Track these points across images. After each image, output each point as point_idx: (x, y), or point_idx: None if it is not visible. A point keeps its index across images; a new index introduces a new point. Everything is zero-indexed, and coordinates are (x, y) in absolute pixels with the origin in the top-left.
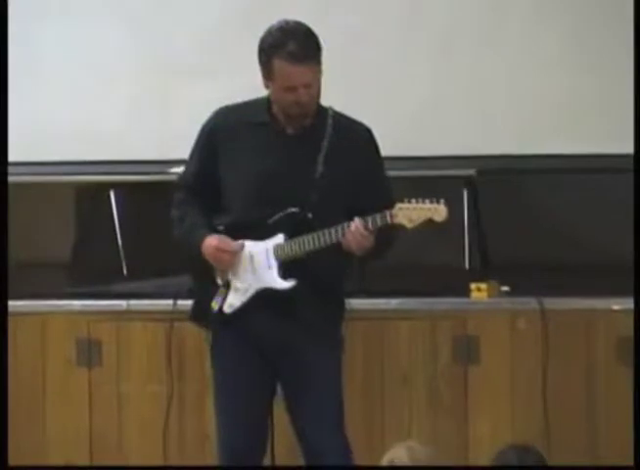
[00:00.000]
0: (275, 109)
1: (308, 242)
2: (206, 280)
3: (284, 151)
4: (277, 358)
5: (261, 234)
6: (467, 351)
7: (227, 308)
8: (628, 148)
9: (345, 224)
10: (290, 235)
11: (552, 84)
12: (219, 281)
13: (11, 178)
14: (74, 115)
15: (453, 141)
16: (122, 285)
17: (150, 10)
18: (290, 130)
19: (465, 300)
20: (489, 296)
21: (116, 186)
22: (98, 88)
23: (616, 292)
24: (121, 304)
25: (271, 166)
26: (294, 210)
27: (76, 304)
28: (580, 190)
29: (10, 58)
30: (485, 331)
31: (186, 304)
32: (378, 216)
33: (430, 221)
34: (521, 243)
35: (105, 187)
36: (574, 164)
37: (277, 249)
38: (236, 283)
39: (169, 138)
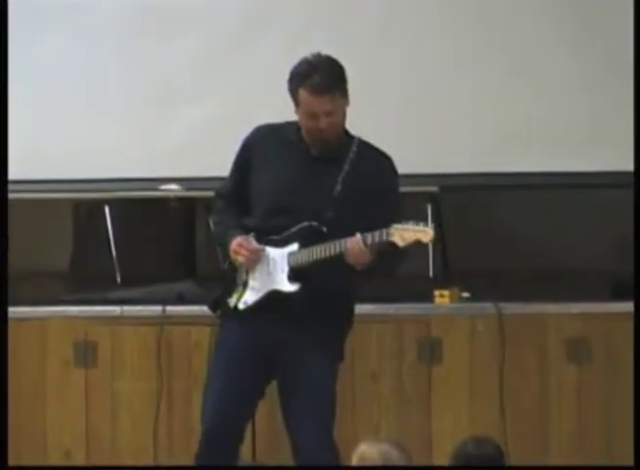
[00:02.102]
0: (302, 131)
1: (316, 252)
2: (230, 279)
3: (306, 169)
4: (275, 357)
5: (280, 241)
6: (430, 351)
7: (241, 305)
8: (577, 166)
9: (338, 241)
10: (304, 245)
11: (509, 105)
12: (239, 280)
13: (15, 195)
14: (73, 137)
15: (418, 160)
16: (116, 292)
17: (142, 37)
18: (314, 151)
19: (429, 305)
20: (451, 301)
21: (111, 202)
22: (94, 112)
23: (565, 297)
24: (115, 309)
25: (292, 181)
26: (312, 223)
27: (74, 309)
28: (532, 204)
29: (11, 81)
30: (447, 333)
31: (174, 309)
32: (376, 234)
33: (418, 241)
34: (479, 253)
35: (100, 203)
36: (527, 181)
37: (290, 256)
38: (253, 282)
39: (159, 158)
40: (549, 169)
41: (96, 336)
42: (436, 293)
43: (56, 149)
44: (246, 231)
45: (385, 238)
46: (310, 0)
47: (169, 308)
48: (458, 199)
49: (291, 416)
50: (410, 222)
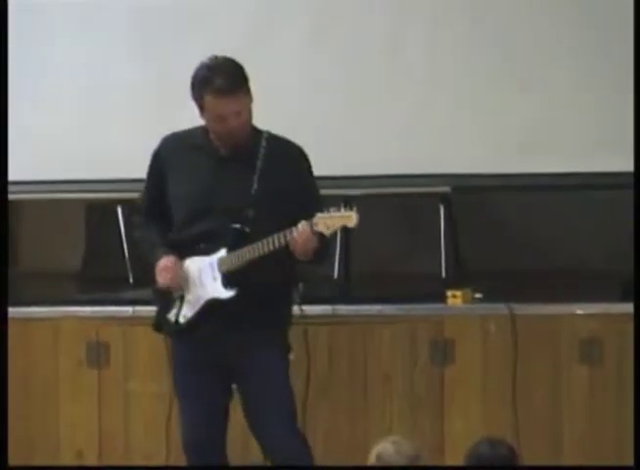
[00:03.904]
0: (211, 134)
1: (246, 253)
2: (166, 293)
3: (218, 171)
4: (229, 364)
5: (205, 248)
6: (443, 352)
7: (181, 319)
8: (590, 167)
9: (278, 234)
10: (231, 248)
11: (521, 106)
12: (174, 294)
13: (29, 196)
14: (85, 137)
15: (431, 161)
16: (128, 292)
17: (158, 37)
18: (223, 152)
19: (441, 305)
20: (464, 302)
21: (123, 202)
22: (107, 112)
23: (577, 298)
24: (127, 310)
25: (206, 185)
26: (235, 225)
27: (86, 310)
28: (545, 205)
29: (24, 82)
30: (460, 334)
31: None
32: (301, 226)
33: (344, 227)
34: (492, 254)
35: (112, 203)
36: (539, 182)
37: (220, 262)
38: (188, 296)
39: None
40: (562, 170)
41: (108, 336)
42: (449, 293)
43: (69, 149)
44: (170, 246)
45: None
46: (325, 2)
47: None
48: (470, 199)
49: (254, 415)
50: (332, 209)
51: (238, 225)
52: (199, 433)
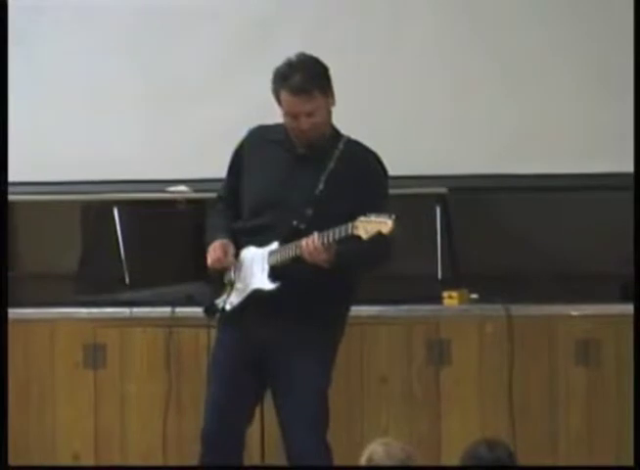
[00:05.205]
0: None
1: (290, 250)
2: (218, 278)
3: (290, 167)
4: (265, 359)
5: (263, 240)
6: (439, 353)
7: (227, 306)
8: (588, 168)
9: (305, 237)
10: (282, 243)
11: (517, 107)
12: (226, 281)
13: (24, 197)
14: (82, 139)
15: (427, 161)
16: (125, 294)
17: (155, 38)
18: (300, 149)
19: (438, 306)
20: (460, 303)
21: (119, 203)
22: (103, 114)
23: (574, 299)
24: (124, 311)
25: (275, 179)
26: (293, 221)
27: (83, 311)
28: (541, 206)
29: (20, 82)
30: (456, 335)
31: (183, 311)
32: (342, 229)
33: (380, 233)
34: (488, 255)
35: (109, 204)
36: (536, 183)
37: (270, 254)
38: (238, 284)
39: (168, 159)
40: (558, 171)
41: (105, 337)
42: (445, 294)
43: (65, 151)
44: (232, 233)
45: (350, 232)
46: (325, 1)
47: (178, 310)
48: (467, 200)
49: (282, 417)
50: (372, 215)
51: (294, 222)
52: (219, 423)
